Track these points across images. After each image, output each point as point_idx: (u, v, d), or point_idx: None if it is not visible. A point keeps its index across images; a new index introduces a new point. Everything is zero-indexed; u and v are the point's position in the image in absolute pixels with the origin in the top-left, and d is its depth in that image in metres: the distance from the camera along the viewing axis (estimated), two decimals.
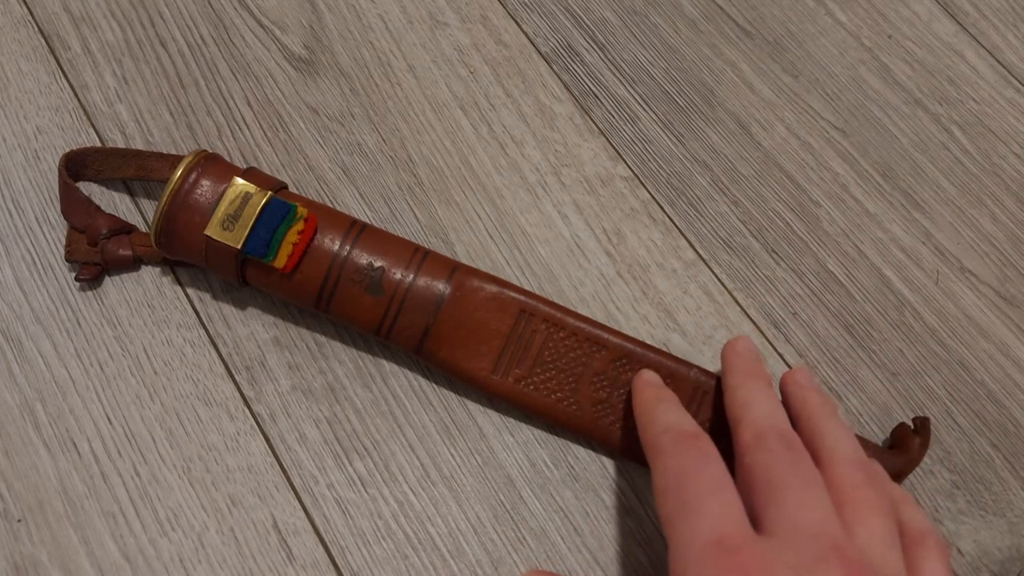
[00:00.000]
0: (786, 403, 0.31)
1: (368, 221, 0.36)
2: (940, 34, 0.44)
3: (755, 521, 0.26)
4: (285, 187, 0.34)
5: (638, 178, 0.40)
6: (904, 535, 0.27)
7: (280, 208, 0.31)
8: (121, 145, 0.39)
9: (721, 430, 0.33)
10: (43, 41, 0.40)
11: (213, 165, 0.33)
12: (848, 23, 0.44)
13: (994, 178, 0.41)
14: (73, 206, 0.35)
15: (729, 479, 0.26)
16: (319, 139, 0.39)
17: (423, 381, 0.35)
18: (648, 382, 0.32)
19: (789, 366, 0.36)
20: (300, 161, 0.39)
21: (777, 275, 0.38)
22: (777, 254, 0.39)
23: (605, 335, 0.33)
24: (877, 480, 0.28)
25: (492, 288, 0.33)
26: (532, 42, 0.42)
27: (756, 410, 0.29)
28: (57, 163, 0.36)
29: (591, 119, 0.41)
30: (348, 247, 0.32)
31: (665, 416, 0.29)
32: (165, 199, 0.32)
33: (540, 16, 0.43)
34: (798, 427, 0.30)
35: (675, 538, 0.25)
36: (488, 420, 0.35)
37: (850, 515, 0.26)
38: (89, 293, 0.36)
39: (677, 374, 0.33)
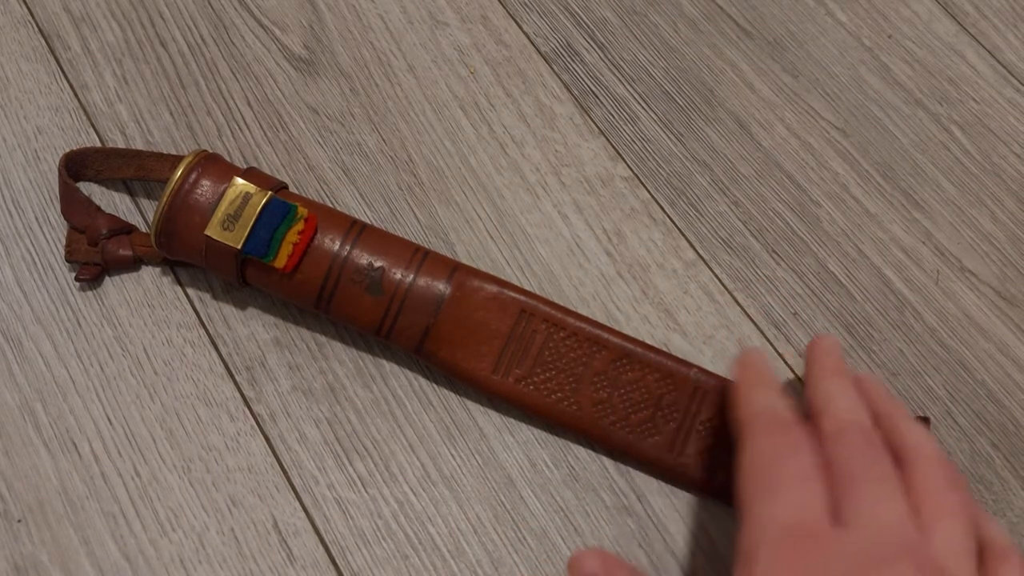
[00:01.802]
0: None
1: (368, 221, 0.36)
2: (940, 34, 0.44)
3: (834, 512, 0.25)
4: (285, 187, 0.34)
5: (638, 178, 0.40)
6: (986, 549, 0.26)
7: (280, 208, 0.31)
8: (121, 145, 0.39)
9: (723, 430, 0.33)
10: (43, 41, 0.40)
11: (213, 165, 0.33)
12: (848, 23, 0.44)
13: (994, 178, 0.41)
14: (73, 206, 0.35)
15: (818, 471, 0.26)
16: (319, 139, 0.39)
17: (423, 381, 0.35)
18: (751, 362, 0.32)
19: (789, 366, 0.36)
20: (300, 161, 0.39)
21: (777, 275, 0.38)
22: (777, 254, 0.39)
23: (605, 335, 0.33)
24: (959, 483, 0.27)
25: (492, 288, 0.33)
26: (532, 42, 0.42)
27: (840, 403, 0.29)
28: (57, 163, 0.36)
29: (591, 119, 0.41)
30: (348, 247, 0.32)
31: (764, 398, 0.29)
32: (165, 199, 0.32)
33: (540, 16, 0.43)
34: (877, 426, 0.29)
35: (753, 516, 0.26)
36: (488, 420, 0.35)
37: (928, 517, 0.25)
38: (89, 293, 0.36)
39: (677, 374, 0.33)
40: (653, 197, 0.39)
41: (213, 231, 0.31)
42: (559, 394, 0.33)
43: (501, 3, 0.43)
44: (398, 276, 0.32)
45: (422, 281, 0.33)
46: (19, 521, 0.32)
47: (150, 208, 0.38)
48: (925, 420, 0.34)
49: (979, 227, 0.39)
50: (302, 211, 0.32)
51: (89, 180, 0.36)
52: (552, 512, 0.33)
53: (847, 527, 0.24)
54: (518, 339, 0.33)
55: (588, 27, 0.43)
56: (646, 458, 0.33)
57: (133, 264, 0.36)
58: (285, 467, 0.33)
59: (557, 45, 0.42)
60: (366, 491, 0.33)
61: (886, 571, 0.23)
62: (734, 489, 0.28)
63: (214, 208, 0.32)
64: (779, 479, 0.26)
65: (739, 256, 0.38)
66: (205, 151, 0.34)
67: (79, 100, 0.39)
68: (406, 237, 0.36)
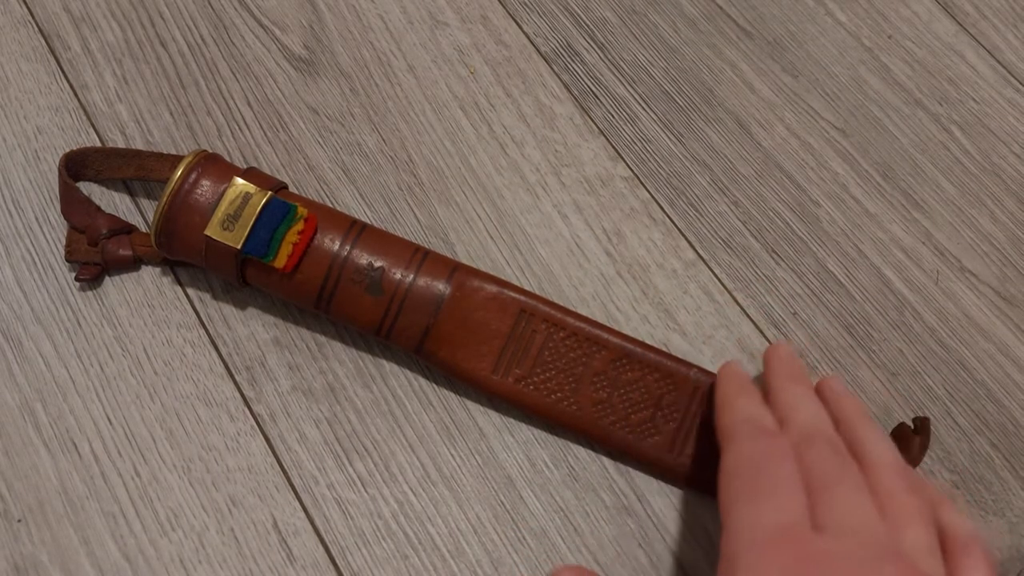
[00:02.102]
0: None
1: (368, 221, 0.36)
2: (940, 34, 0.44)
3: (810, 515, 0.26)
4: (285, 187, 0.34)
5: (638, 178, 0.40)
6: (948, 540, 0.27)
7: (280, 208, 0.31)
8: (121, 145, 0.39)
9: None
10: (43, 41, 0.40)
11: (213, 165, 0.33)
12: (848, 23, 0.44)
13: (994, 178, 0.41)
14: (73, 206, 0.35)
15: (798, 477, 0.27)
16: (319, 139, 0.39)
17: (423, 381, 0.35)
18: (734, 372, 0.32)
19: None
20: (300, 161, 0.39)
21: (777, 275, 0.38)
22: (777, 254, 0.39)
23: (605, 335, 0.33)
24: (917, 486, 0.28)
25: (492, 288, 0.33)
26: (532, 42, 0.42)
27: (803, 413, 0.30)
28: (57, 163, 0.36)
29: (591, 119, 0.41)
30: (348, 247, 0.32)
31: (748, 407, 0.30)
32: (165, 199, 0.32)
33: (540, 16, 0.43)
34: (838, 432, 0.30)
35: (736, 520, 0.26)
36: (488, 420, 0.35)
37: (894, 521, 0.26)
38: (89, 293, 0.36)
39: (677, 374, 0.33)
40: (653, 197, 0.39)
41: (213, 231, 0.31)
42: (559, 394, 0.33)
43: (501, 3, 0.43)
44: (398, 276, 0.32)
45: (422, 281, 0.33)
46: (19, 521, 0.32)
47: (150, 208, 0.38)
48: (925, 420, 0.34)
49: (979, 227, 0.39)
50: (302, 211, 0.32)
51: (89, 180, 0.36)
52: (552, 512, 0.33)
53: (826, 531, 0.25)
54: (518, 339, 0.33)
55: (588, 27, 0.43)
56: (646, 458, 0.33)
57: (133, 264, 0.36)
58: (285, 467, 0.33)
59: (557, 45, 0.42)
60: (366, 491, 0.33)
61: (871, 574, 0.24)
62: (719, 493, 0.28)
63: (214, 208, 0.32)
64: (761, 484, 0.27)
65: (739, 256, 0.38)
66: (205, 151, 0.34)
67: (79, 100, 0.39)
68: (406, 237, 0.36)
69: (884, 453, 0.28)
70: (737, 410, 0.30)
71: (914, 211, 0.40)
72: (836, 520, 0.25)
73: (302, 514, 0.33)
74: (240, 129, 0.39)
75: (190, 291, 0.36)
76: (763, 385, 0.32)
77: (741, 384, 0.32)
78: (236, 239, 0.31)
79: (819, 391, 0.32)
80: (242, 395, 0.35)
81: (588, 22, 0.43)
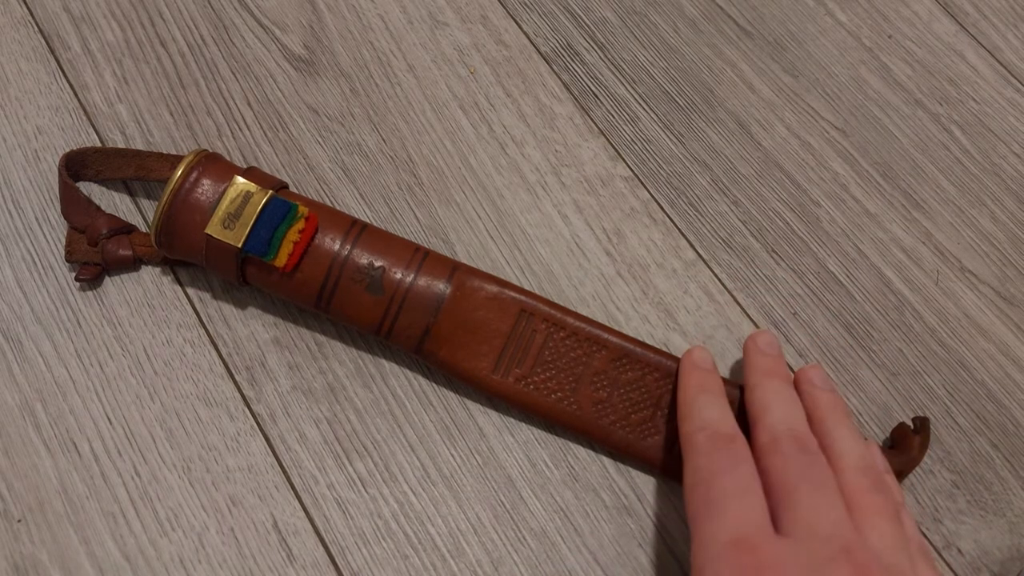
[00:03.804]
0: (801, 401, 0.32)
1: (368, 221, 0.36)
2: (940, 34, 0.44)
3: (774, 522, 0.26)
4: (286, 186, 0.34)
5: (638, 178, 0.40)
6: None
7: (281, 207, 0.31)
8: (121, 145, 0.39)
9: None
10: (43, 41, 0.40)
11: (214, 164, 0.33)
12: (848, 23, 0.44)
13: (994, 178, 0.41)
14: (73, 206, 0.35)
15: (756, 482, 0.27)
16: (319, 139, 0.39)
17: (423, 381, 0.35)
18: (695, 363, 0.32)
19: (790, 367, 0.36)
20: (300, 161, 0.39)
21: (777, 275, 0.38)
22: (777, 254, 0.39)
23: (605, 335, 0.33)
24: (883, 485, 0.28)
25: (492, 288, 0.33)
26: (532, 42, 0.42)
27: (773, 413, 0.30)
28: (57, 163, 0.36)
29: (591, 119, 0.41)
30: (348, 247, 0.32)
31: (704, 412, 0.30)
32: (166, 198, 0.32)
33: (540, 16, 0.43)
34: (812, 427, 0.30)
35: (698, 536, 0.27)
36: (488, 420, 0.35)
37: (860, 519, 0.26)
38: (89, 293, 0.36)
39: (677, 374, 0.33)
40: (653, 197, 0.39)
41: (214, 230, 0.31)
42: (559, 394, 0.33)
43: (501, 3, 0.43)
44: (398, 276, 0.32)
45: (422, 281, 0.33)
46: (19, 521, 0.32)
47: (150, 208, 0.38)
48: (925, 420, 0.34)
49: (979, 227, 0.39)
50: (303, 210, 0.32)
51: (89, 180, 0.36)
52: (552, 512, 0.33)
53: (787, 537, 0.26)
54: (518, 339, 0.33)
55: (588, 27, 0.43)
56: (646, 458, 0.33)
57: (133, 264, 0.36)
58: (285, 467, 0.33)
59: (557, 45, 0.42)
60: (366, 491, 0.33)
61: (826, 574, 0.24)
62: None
63: (215, 207, 0.32)
64: (718, 495, 0.27)
65: (739, 256, 0.38)
66: (205, 150, 0.34)
67: (79, 100, 0.39)
68: (406, 237, 0.36)
69: (850, 451, 0.29)
70: (695, 416, 0.30)
71: (914, 211, 0.40)
72: (798, 523, 0.26)
73: (302, 514, 0.33)
74: (240, 129, 0.39)
75: (190, 291, 0.36)
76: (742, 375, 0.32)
77: (701, 381, 0.32)
78: (237, 238, 0.31)
79: (797, 382, 0.32)
80: (242, 395, 0.34)
81: (588, 22, 0.43)
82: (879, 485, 0.28)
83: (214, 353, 0.35)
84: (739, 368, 0.36)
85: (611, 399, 0.33)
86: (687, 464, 0.29)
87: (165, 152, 0.37)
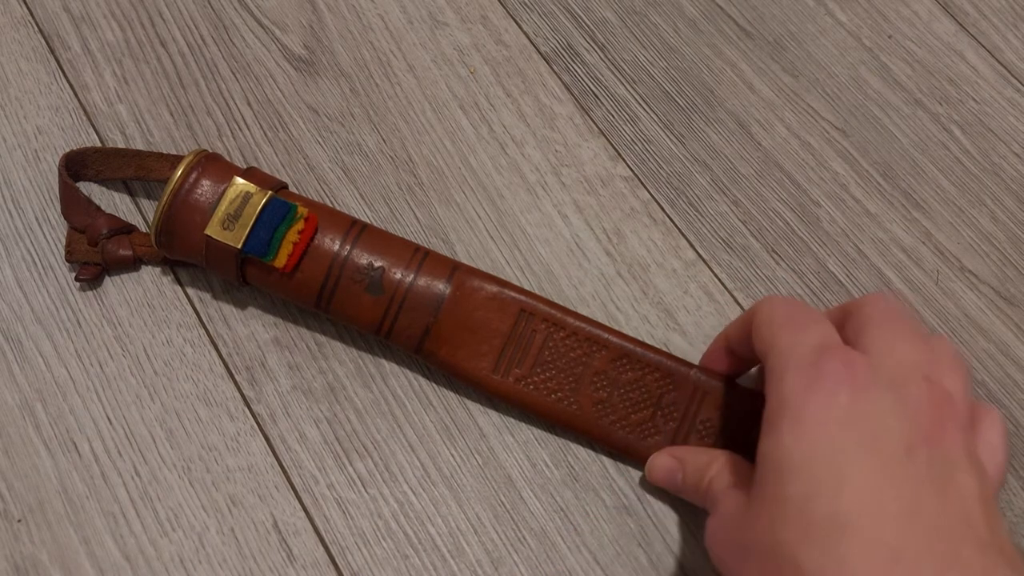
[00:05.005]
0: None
1: (368, 221, 0.36)
2: (940, 34, 0.44)
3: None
4: (285, 187, 0.34)
5: (638, 178, 0.40)
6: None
7: (281, 207, 0.31)
8: (121, 145, 0.39)
9: (723, 430, 0.33)
10: (43, 41, 0.40)
11: (213, 165, 0.33)
12: (848, 23, 0.44)
13: (994, 178, 0.41)
14: (73, 206, 0.35)
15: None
16: (319, 139, 0.39)
17: (423, 381, 0.35)
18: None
19: None
20: (300, 161, 0.39)
21: (777, 275, 0.38)
22: (777, 254, 0.39)
23: (605, 335, 0.33)
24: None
25: (492, 288, 0.33)
26: (532, 42, 0.42)
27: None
28: (57, 163, 0.36)
29: (591, 119, 0.41)
30: (348, 247, 0.32)
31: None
32: (165, 198, 0.32)
33: (540, 16, 0.43)
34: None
35: (778, 348, 0.27)
36: (488, 420, 0.35)
37: (939, 368, 0.26)
38: (89, 293, 0.36)
39: (677, 374, 0.33)
40: (653, 197, 0.39)
41: (213, 230, 0.31)
42: (559, 394, 0.33)
43: (501, 3, 0.43)
44: (398, 276, 0.32)
45: (422, 281, 0.33)
46: (19, 521, 0.32)
47: (150, 208, 0.38)
48: None
49: (979, 227, 0.39)
50: (302, 211, 0.32)
51: (89, 180, 0.36)
52: (552, 512, 0.33)
53: (867, 353, 0.26)
54: (518, 339, 0.33)
55: (588, 27, 0.43)
56: (646, 458, 0.33)
57: (133, 264, 0.36)
58: (285, 467, 0.33)
59: (557, 45, 0.42)
60: (366, 491, 0.33)
61: (904, 389, 0.25)
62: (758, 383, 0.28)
63: (214, 207, 0.32)
64: (802, 318, 0.27)
65: (739, 256, 0.38)
66: (205, 151, 0.34)
67: (79, 100, 0.39)
68: (406, 237, 0.36)
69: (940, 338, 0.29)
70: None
71: (914, 211, 0.40)
72: (880, 344, 0.26)
73: (302, 514, 0.33)
74: (240, 129, 0.39)
75: (190, 291, 0.36)
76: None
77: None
78: (236, 238, 0.31)
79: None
80: (242, 395, 0.34)
81: (588, 22, 0.43)
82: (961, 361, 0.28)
83: (214, 353, 0.35)
84: None
85: (611, 399, 0.33)
86: (761, 311, 0.29)
87: (165, 152, 0.37)
